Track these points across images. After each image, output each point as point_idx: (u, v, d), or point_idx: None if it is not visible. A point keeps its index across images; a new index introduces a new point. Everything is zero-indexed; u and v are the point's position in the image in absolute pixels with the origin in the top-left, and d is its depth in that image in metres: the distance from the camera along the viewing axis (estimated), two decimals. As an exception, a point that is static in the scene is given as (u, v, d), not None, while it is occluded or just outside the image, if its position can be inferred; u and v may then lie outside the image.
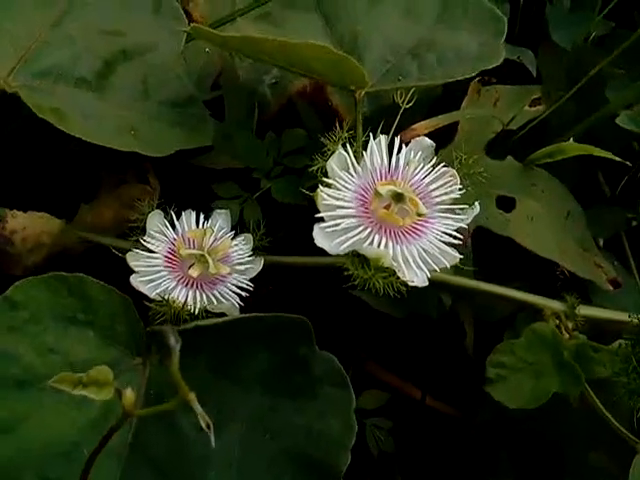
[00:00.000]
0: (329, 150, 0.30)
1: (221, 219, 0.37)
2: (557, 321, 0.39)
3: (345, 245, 0.28)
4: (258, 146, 0.47)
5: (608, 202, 0.56)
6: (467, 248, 0.42)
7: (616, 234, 0.55)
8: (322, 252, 0.37)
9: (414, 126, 0.37)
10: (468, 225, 0.42)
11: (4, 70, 0.35)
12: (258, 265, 0.36)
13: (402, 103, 0.37)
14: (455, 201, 0.32)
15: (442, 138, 0.47)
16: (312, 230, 0.28)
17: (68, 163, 0.52)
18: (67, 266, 0.41)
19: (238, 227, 0.41)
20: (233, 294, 0.34)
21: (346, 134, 0.31)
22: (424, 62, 0.38)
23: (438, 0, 0.41)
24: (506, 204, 0.44)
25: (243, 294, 0.35)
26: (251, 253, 0.36)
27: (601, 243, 0.52)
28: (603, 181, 0.58)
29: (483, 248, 0.56)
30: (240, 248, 0.36)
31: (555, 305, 0.40)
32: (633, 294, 0.51)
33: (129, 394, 0.21)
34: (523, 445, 0.48)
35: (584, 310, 0.40)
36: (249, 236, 0.37)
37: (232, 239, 0.36)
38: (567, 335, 0.38)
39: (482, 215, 0.43)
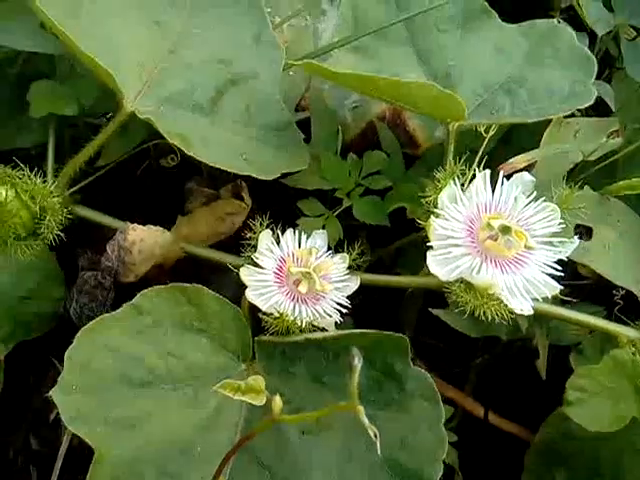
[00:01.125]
0: (440, 183, 0.33)
1: (320, 239, 0.40)
2: (633, 348, 0.41)
3: (456, 272, 0.30)
4: (342, 167, 0.50)
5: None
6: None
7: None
8: (413, 273, 0.40)
9: (512, 160, 0.39)
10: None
11: (132, 94, 0.39)
12: (355, 283, 0.38)
13: (484, 133, 0.40)
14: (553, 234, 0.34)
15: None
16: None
17: (163, 179, 0.56)
18: (161, 275, 0.44)
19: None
20: (334, 310, 0.37)
21: (458, 168, 0.33)
22: (516, 98, 0.41)
23: (526, 38, 0.43)
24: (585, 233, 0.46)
25: (343, 310, 0.37)
26: (347, 272, 0.39)
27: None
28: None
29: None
30: (338, 267, 0.39)
31: (631, 333, 0.42)
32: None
33: (278, 401, 0.24)
34: (580, 463, 0.49)
35: (659, 339, 0.41)
36: (345, 255, 0.40)
37: (332, 257, 0.39)
38: (644, 363, 0.40)
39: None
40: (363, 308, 0.58)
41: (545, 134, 0.47)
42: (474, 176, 0.32)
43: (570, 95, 0.40)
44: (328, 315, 0.36)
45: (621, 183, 0.44)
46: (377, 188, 0.51)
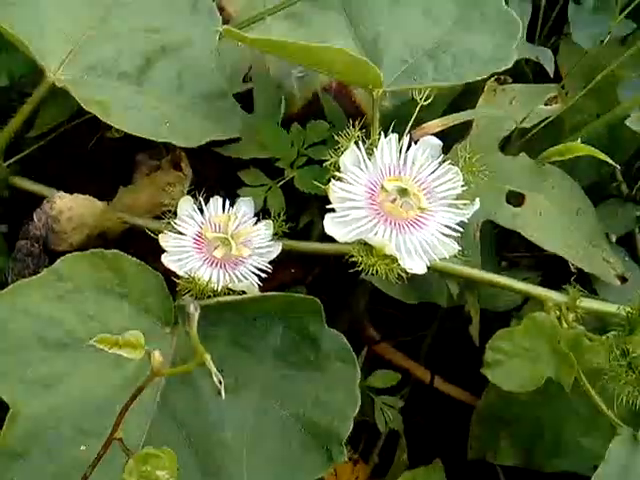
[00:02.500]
0: (342, 146, 0.33)
1: (245, 206, 0.41)
2: (558, 312, 0.42)
3: (352, 234, 0.31)
4: (283, 137, 0.50)
5: (624, 200, 0.58)
6: (475, 240, 0.44)
7: (631, 231, 0.57)
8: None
9: (425, 125, 0.39)
10: (477, 218, 0.45)
11: (54, 64, 0.39)
12: (277, 249, 0.39)
13: (420, 100, 0.40)
14: (460, 196, 0.34)
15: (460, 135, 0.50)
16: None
17: (108, 150, 0.57)
18: (107, 245, 0.45)
19: (262, 214, 0.44)
20: (252, 274, 0.38)
21: (358, 132, 0.34)
22: (440, 63, 0.41)
23: (456, 3, 0.43)
24: (517, 199, 0.47)
25: (262, 275, 0.38)
26: (271, 238, 0.40)
27: (614, 239, 0.54)
28: (621, 179, 0.59)
29: (505, 240, 0.58)
30: (261, 233, 0.39)
31: (557, 297, 0.43)
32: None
33: (157, 355, 0.25)
34: (523, 427, 0.50)
35: (585, 303, 0.42)
36: (270, 222, 0.40)
37: (254, 225, 0.40)
38: (566, 326, 0.40)
39: (491, 209, 0.46)
40: (320, 278, 0.59)
41: (479, 101, 0.47)
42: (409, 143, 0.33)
43: (491, 59, 0.40)
44: (245, 279, 0.37)
45: (551, 149, 0.44)
46: (320, 158, 0.51)
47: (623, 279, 0.49)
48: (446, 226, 0.32)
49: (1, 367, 0.34)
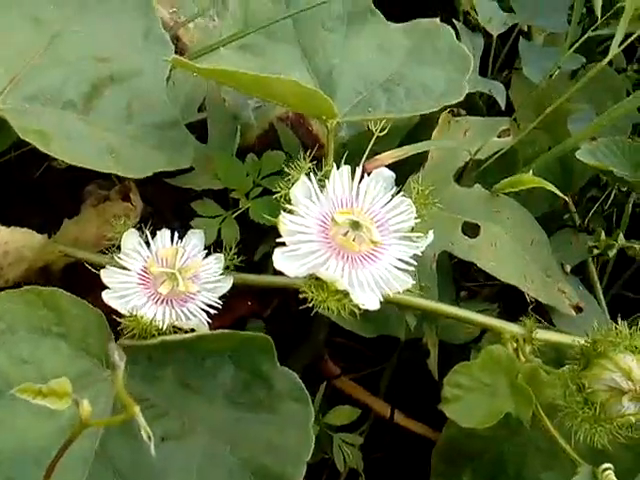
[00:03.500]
0: (293, 178, 0.32)
1: (195, 238, 0.39)
2: (515, 344, 0.41)
3: (303, 269, 0.30)
4: (238, 167, 0.49)
5: (577, 230, 0.59)
6: (432, 271, 0.44)
7: (585, 261, 0.57)
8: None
9: (378, 156, 0.39)
10: (433, 250, 0.45)
11: (-6, 93, 0.38)
12: (227, 284, 0.38)
13: (376, 131, 0.40)
14: (414, 229, 0.34)
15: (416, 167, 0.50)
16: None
17: (55, 180, 0.55)
18: (48, 281, 0.43)
19: (217, 246, 0.43)
20: (201, 311, 0.36)
21: (309, 164, 0.33)
22: (393, 96, 0.41)
23: (409, 37, 0.43)
24: (473, 230, 0.46)
25: (212, 311, 0.36)
26: (222, 272, 0.38)
27: (568, 269, 0.55)
28: (574, 210, 0.60)
29: (465, 270, 0.58)
30: (211, 267, 0.38)
31: (514, 329, 0.42)
32: (597, 319, 0.53)
33: (86, 405, 0.23)
34: (485, 463, 0.49)
35: (542, 334, 0.42)
36: (221, 256, 0.39)
37: (204, 258, 0.38)
38: (523, 358, 0.40)
39: (447, 240, 0.46)
40: (279, 310, 0.58)
41: (434, 133, 0.47)
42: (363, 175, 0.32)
43: (443, 92, 0.40)
44: (193, 316, 0.35)
45: (504, 181, 0.45)
46: (276, 189, 0.50)
47: (578, 309, 0.50)
48: (400, 260, 0.31)
49: None
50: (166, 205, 0.55)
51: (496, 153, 0.48)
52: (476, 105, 0.55)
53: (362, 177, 0.34)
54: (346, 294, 0.30)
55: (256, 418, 0.35)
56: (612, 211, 0.65)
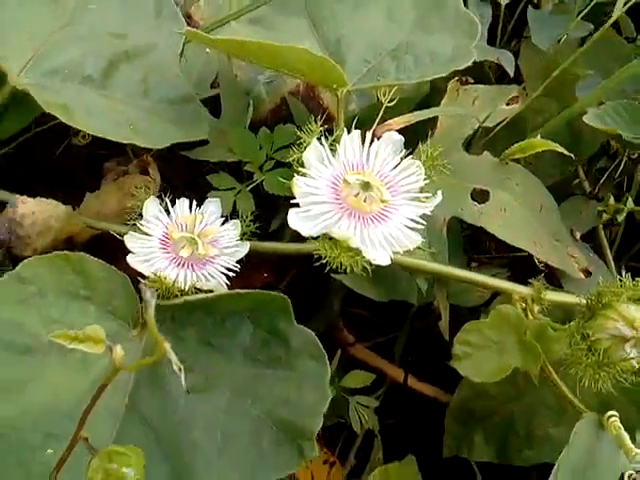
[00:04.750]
0: (305, 142, 0.33)
1: (212, 206, 0.41)
2: (524, 305, 0.42)
3: (317, 228, 0.31)
4: (251, 140, 0.51)
5: (588, 197, 0.59)
6: (442, 236, 0.45)
7: (595, 230, 0.58)
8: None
9: (389, 122, 0.40)
10: (443, 214, 0.46)
11: (17, 68, 0.39)
12: (244, 249, 0.39)
13: (385, 101, 0.41)
14: (423, 190, 0.35)
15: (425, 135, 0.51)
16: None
17: (76, 157, 0.56)
18: (73, 250, 0.45)
19: (232, 217, 0.45)
20: (220, 274, 0.38)
21: (320, 128, 0.34)
22: (402, 63, 0.42)
23: (416, 6, 0.44)
24: (482, 197, 0.48)
25: (230, 274, 0.38)
26: (239, 238, 0.40)
27: (578, 236, 0.55)
28: (584, 177, 0.61)
29: (475, 244, 0.59)
30: (229, 233, 0.39)
31: (523, 290, 0.43)
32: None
33: (119, 349, 0.25)
34: (496, 422, 0.51)
35: (550, 295, 0.43)
36: (237, 222, 0.40)
37: (222, 225, 0.40)
38: (532, 317, 0.41)
39: (457, 206, 0.47)
40: (295, 282, 0.59)
41: (443, 101, 0.48)
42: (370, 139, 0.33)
43: (452, 58, 0.41)
44: (212, 278, 0.37)
45: (514, 147, 0.46)
46: (289, 161, 0.52)
47: (588, 273, 0.50)
48: (410, 219, 0.33)
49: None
50: (181, 179, 0.57)
51: (504, 121, 0.49)
52: (485, 75, 0.56)
53: (372, 142, 0.35)
54: (358, 252, 0.31)
55: (274, 374, 0.36)
56: (622, 179, 0.65)
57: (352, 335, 0.62)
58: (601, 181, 0.62)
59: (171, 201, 0.40)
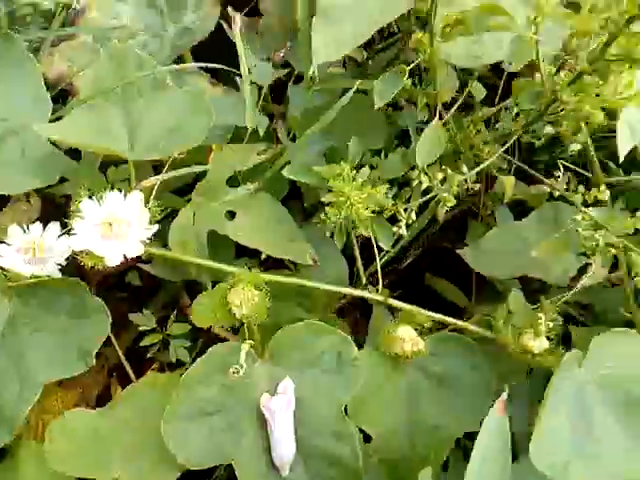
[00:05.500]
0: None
1: (53, 227, 0.70)
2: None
3: (82, 246, 0.61)
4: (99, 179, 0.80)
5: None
6: (203, 241, 0.74)
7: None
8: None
9: (143, 182, 0.69)
10: (206, 227, 0.75)
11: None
12: (68, 253, 0.69)
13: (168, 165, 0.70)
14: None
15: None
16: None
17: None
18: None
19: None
20: (54, 266, 0.67)
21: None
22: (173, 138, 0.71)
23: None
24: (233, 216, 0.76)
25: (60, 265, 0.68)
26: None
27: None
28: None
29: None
30: (59, 244, 0.69)
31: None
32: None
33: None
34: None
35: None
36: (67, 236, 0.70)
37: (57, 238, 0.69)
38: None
39: (215, 222, 0.76)
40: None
41: (211, 156, 0.77)
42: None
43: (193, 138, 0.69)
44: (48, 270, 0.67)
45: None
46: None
47: (315, 261, 0.79)
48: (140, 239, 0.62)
49: None
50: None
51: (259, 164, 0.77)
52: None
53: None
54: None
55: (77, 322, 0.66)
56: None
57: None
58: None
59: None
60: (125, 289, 0.89)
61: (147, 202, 0.66)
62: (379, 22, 0.64)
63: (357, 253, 0.78)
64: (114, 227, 0.61)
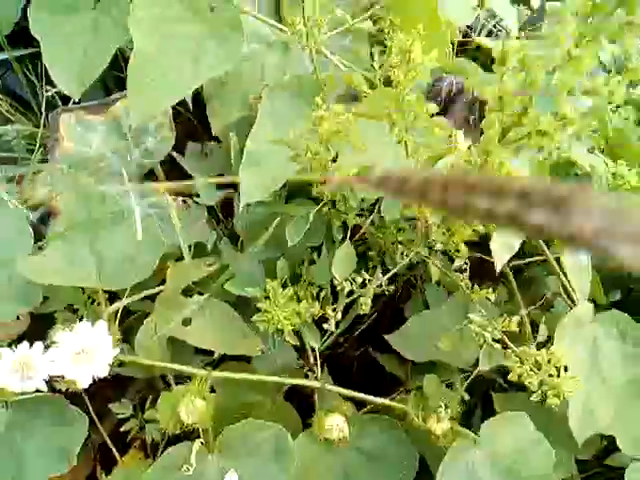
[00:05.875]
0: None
1: (37, 346, 0.84)
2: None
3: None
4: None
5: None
6: (163, 347, 0.88)
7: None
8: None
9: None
10: (164, 334, 0.89)
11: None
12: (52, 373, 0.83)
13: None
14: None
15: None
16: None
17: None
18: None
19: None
20: (42, 382, 0.81)
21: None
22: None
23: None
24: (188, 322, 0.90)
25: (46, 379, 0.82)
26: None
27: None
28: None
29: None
30: (45, 363, 0.83)
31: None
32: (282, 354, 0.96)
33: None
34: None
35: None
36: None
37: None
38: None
39: (175, 330, 0.90)
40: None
41: (168, 272, 0.91)
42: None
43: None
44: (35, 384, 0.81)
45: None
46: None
47: (262, 352, 0.93)
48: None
49: None
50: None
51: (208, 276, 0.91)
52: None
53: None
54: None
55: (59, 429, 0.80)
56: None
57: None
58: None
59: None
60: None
61: (115, 320, 0.81)
62: (292, 169, 0.77)
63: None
64: (83, 355, 0.75)
